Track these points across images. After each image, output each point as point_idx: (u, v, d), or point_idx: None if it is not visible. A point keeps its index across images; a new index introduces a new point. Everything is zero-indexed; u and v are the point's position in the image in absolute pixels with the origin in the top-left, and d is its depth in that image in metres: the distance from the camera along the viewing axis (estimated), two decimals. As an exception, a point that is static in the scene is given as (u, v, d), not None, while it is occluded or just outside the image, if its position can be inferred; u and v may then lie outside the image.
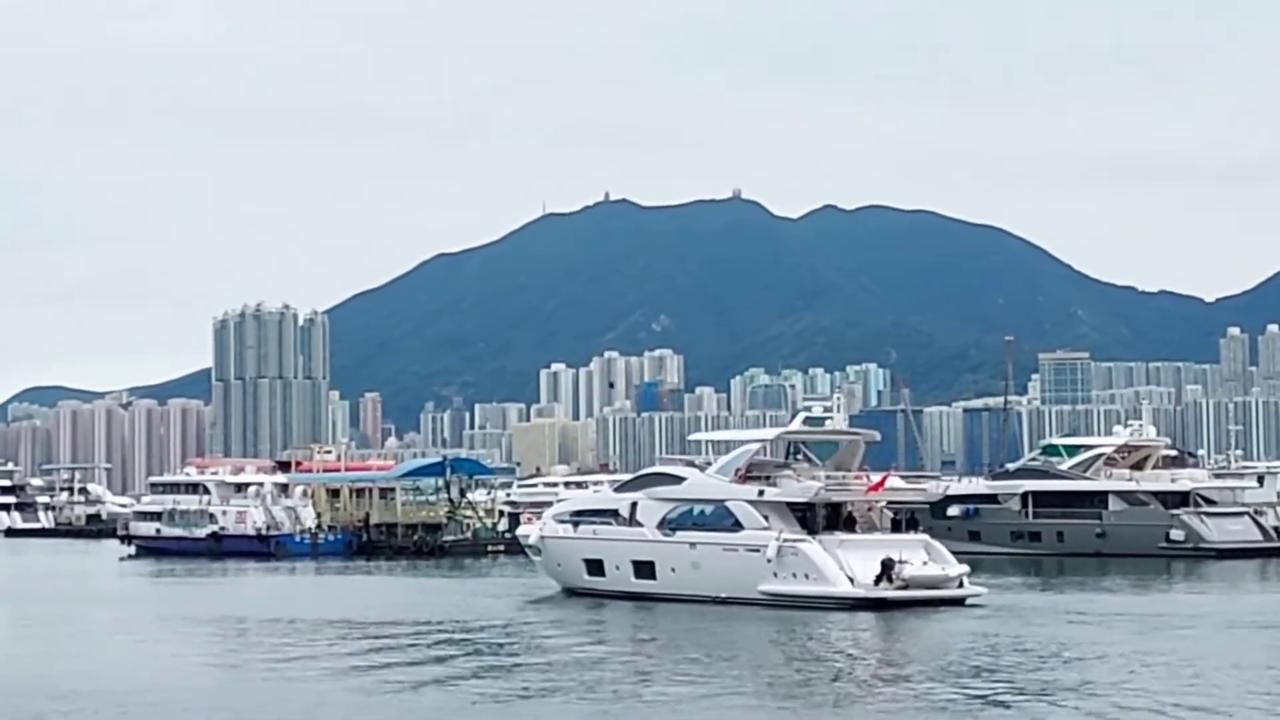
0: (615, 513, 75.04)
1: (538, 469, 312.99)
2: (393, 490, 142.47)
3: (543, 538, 78.50)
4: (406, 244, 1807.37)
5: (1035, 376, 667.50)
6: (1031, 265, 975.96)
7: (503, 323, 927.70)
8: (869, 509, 70.08)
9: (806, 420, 76.09)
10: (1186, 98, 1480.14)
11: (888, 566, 64.24)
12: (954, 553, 67.68)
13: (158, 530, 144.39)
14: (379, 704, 38.67)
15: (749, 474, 70.54)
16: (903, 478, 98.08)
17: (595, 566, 74.77)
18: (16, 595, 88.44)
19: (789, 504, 68.63)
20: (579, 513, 78.50)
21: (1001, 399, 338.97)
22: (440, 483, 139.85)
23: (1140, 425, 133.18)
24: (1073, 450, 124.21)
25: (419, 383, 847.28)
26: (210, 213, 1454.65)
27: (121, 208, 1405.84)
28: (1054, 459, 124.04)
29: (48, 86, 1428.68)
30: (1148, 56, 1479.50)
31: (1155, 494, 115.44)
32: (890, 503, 72.76)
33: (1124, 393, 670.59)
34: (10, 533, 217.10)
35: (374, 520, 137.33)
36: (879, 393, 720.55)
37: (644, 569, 72.08)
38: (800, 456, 74.37)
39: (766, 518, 67.99)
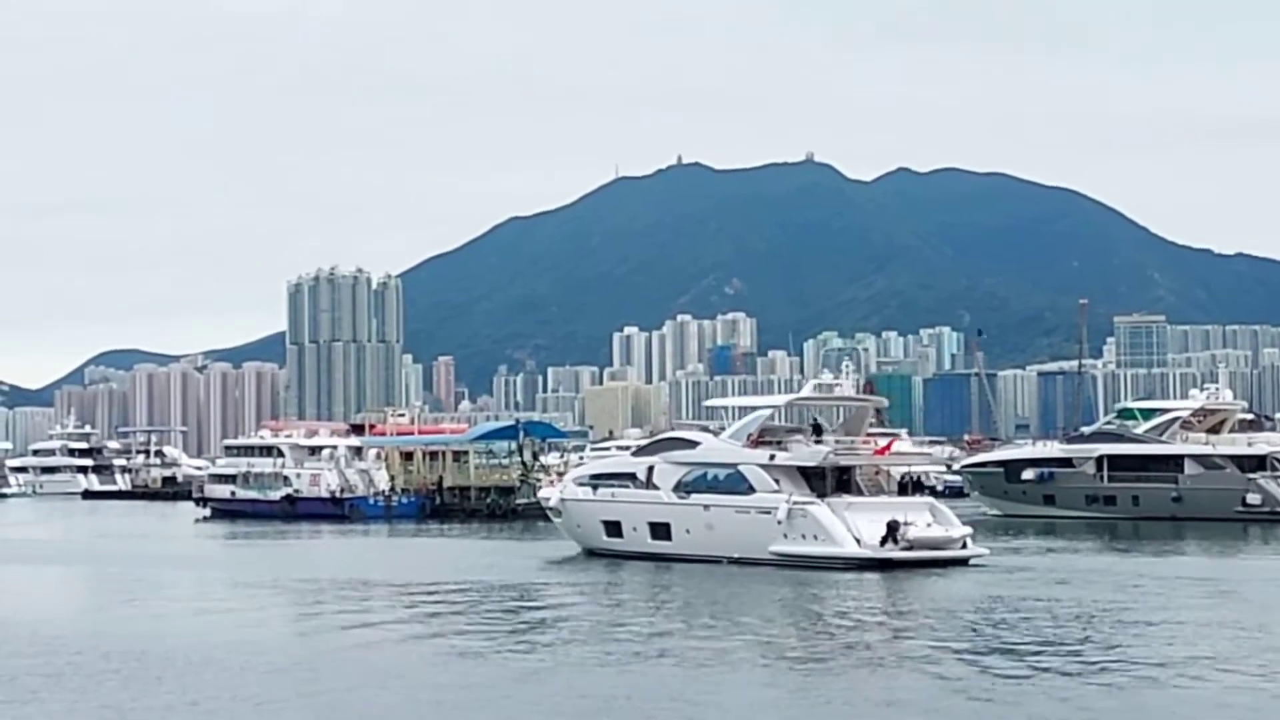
0: (633, 476, 76.88)
1: (610, 432, 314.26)
2: (466, 453, 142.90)
3: (563, 500, 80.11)
4: (480, 208, 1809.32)
5: (1110, 340, 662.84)
6: (1106, 228, 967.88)
7: (575, 286, 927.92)
8: (876, 472, 72.32)
9: (817, 387, 77.59)
10: (1261, 57, 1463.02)
11: (893, 528, 66.31)
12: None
13: (232, 493, 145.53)
14: (431, 668, 38.64)
15: (761, 439, 72.66)
16: (916, 444, 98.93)
17: (613, 528, 76.44)
18: (93, 556, 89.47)
19: (799, 468, 70.68)
20: (598, 476, 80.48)
21: (1076, 362, 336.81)
22: (513, 446, 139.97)
23: (1217, 388, 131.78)
24: (1148, 414, 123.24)
25: (492, 346, 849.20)
26: (285, 176, 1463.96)
27: (197, 171, 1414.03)
28: (1129, 422, 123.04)
29: (110, 48, 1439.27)
30: (1222, 15, 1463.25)
31: (1231, 458, 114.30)
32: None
33: (1200, 356, 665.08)
34: (87, 495, 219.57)
35: (447, 483, 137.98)
36: (952, 356, 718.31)
37: (660, 530, 73.84)
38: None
39: (777, 481, 70.15)
